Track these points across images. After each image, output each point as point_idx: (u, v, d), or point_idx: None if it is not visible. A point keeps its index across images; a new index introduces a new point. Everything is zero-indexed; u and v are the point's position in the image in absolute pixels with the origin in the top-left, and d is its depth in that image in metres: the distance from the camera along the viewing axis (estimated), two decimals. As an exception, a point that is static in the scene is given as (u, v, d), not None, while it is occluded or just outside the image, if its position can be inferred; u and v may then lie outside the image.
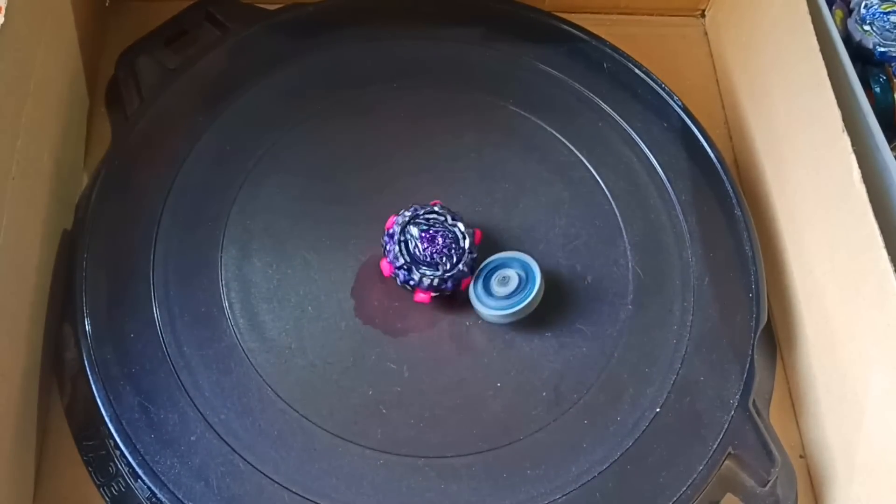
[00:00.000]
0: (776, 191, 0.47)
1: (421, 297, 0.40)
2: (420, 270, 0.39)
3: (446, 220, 0.40)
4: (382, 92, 0.47)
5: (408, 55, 0.48)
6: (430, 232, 0.40)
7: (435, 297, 0.40)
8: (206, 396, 0.38)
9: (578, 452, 0.38)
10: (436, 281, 0.39)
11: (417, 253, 0.39)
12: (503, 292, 0.39)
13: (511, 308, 0.39)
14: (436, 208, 0.40)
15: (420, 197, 0.42)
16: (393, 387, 0.39)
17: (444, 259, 0.39)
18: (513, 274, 0.40)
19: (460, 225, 0.40)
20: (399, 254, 0.39)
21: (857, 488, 0.40)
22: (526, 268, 0.40)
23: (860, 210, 0.38)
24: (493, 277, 0.40)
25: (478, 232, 0.41)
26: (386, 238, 0.40)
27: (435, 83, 0.48)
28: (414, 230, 0.40)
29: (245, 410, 0.38)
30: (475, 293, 0.40)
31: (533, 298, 0.39)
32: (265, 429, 0.37)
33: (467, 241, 0.40)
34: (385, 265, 0.40)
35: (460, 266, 0.39)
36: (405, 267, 0.39)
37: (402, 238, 0.40)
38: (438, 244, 0.39)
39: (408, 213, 0.40)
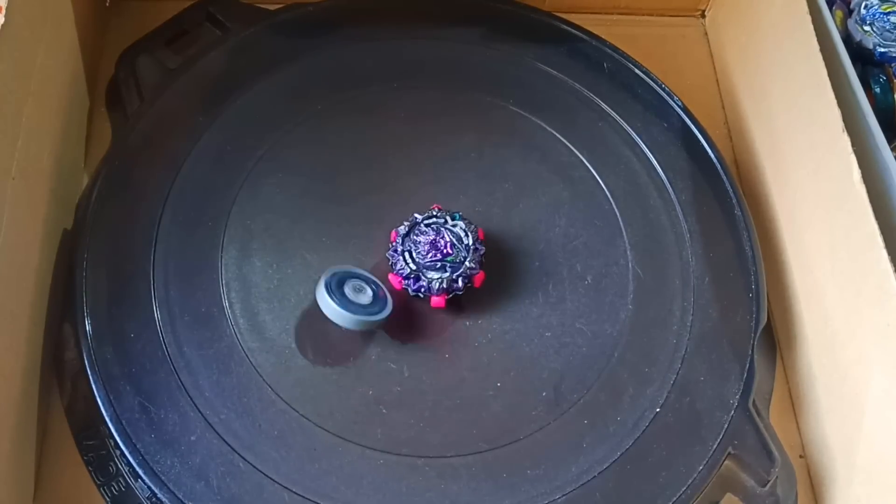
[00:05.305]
0: (776, 191, 0.47)
1: (436, 301, 0.40)
2: (428, 276, 0.39)
3: (446, 222, 0.40)
4: (382, 92, 0.47)
5: (408, 55, 0.48)
6: (431, 237, 0.40)
7: (450, 299, 0.40)
8: (206, 396, 0.38)
9: (578, 452, 0.38)
10: (445, 283, 0.39)
11: (422, 260, 0.39)
12: (363, 300, 0.39)
13: (375, 316, 0.38)
14: (434, 212, 0.40)
15: (420, 197, 0.42)
16: (393, 387, 0.39)
17: (450, 260, 0.39)
18: (363, 285, 0.39)
19: (461, 223, 0.40)
20: (405, 264, 0.39)
21: (857, 488, 0.39)
22: (369, 281, 0.39)
23: (860, 210, 0.38)
24: (346, 285, 0.39)
25: (479, 230, 0.41)
26: (391, 252, 0.40)
27: (435, 83, 0.48)
28: (415, 238, 0.40)
29: (245, 410, 0.38)
30: (330, 298, 0.38)
31: (390, 312, 0.39)
32: (265, 429, 0.37)
33: (470, 238, 0.40)
34: (394, 279, 0.40)
35: (467, 263, 0.39)
36: (413, 276, 0.39)
37: (405, 248, 0.40)
38: (440, 247, 0.39)
39: (407, 224, 0.40)
